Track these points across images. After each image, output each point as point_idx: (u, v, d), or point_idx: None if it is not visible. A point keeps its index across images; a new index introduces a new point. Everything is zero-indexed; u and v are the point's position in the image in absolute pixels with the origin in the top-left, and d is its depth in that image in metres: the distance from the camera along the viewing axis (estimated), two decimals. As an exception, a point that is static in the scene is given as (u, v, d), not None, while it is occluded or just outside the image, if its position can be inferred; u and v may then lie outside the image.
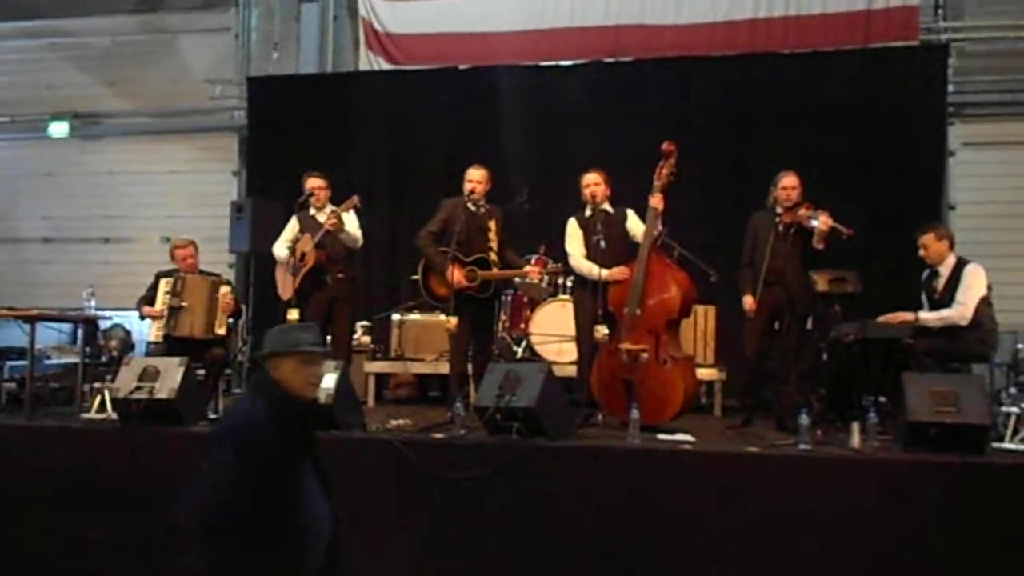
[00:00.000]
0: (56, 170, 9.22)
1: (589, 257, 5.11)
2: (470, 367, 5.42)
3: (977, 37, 7.41)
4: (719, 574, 3.93)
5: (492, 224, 5.41)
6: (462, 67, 7.92)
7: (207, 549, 2.38)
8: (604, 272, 4.96)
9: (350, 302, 5.74)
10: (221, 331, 5.53)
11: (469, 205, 5.34)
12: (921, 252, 5.14)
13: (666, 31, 7.59)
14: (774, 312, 5.08)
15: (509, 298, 6.54)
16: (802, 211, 4.98)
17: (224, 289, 5.58)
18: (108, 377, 5.22)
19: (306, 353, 2.57)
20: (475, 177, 5.36)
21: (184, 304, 5.46)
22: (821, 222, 4.86)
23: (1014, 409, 4.53)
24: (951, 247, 5.11)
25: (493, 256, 5.39)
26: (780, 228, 5.04)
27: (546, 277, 6.42)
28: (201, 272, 5.74)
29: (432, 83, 7.88)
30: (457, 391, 5.20)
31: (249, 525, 2.38)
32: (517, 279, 6.23)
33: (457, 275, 5.25)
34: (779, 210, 5.10)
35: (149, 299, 5.67)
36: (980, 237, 6.82)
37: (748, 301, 5.05)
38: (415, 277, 5.64)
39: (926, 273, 5.23)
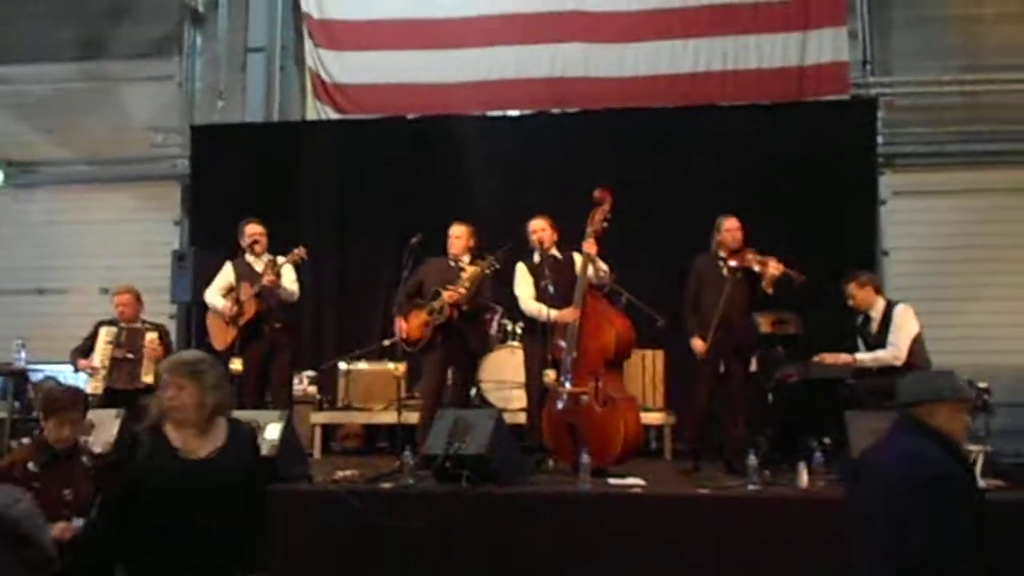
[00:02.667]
0: (-12, 219, 8.94)
1: (538, 300, 5.14)
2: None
3: (904, 92, 7.77)
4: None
5: (466, 275, 5.41)
6: (410, 117, 7.98)
7: None
8: (554, 313, 4.99)
9: (288, 349, 5.64)
10: (148, 379, 5.37)
11: (450, 262, 5.43)
12: (850, 302, 5.33)
13: (609, 83, 7.78)
14: (721, 356, 5.15)
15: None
16: (749, 255, 5.10)
17: (150, 336, 5.44)
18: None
19: (964, 400, 2.58)
20: (453, 232, 5.47)
21: (129, 356, 5.33)
22: (772, 267, 4.97)
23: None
24: (877, 291, 5.32)
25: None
26: (725, 272, 5.14)
27: (495, 325, 6.43)
28: (143, 322, 5.60)
29: (380, 132, 7.91)
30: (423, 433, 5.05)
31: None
32: None
33: (406, 325, 5.31)
34: (722, 254, 5.21)
35: (85, 349, 5.49)
36: (913, 281, 7.08)
37: (698, 344, 5.10)
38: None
39: (860, 318, 5.40)
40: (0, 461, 3.48)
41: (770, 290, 5.03)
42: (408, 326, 5.36)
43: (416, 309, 5.35)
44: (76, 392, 3.72)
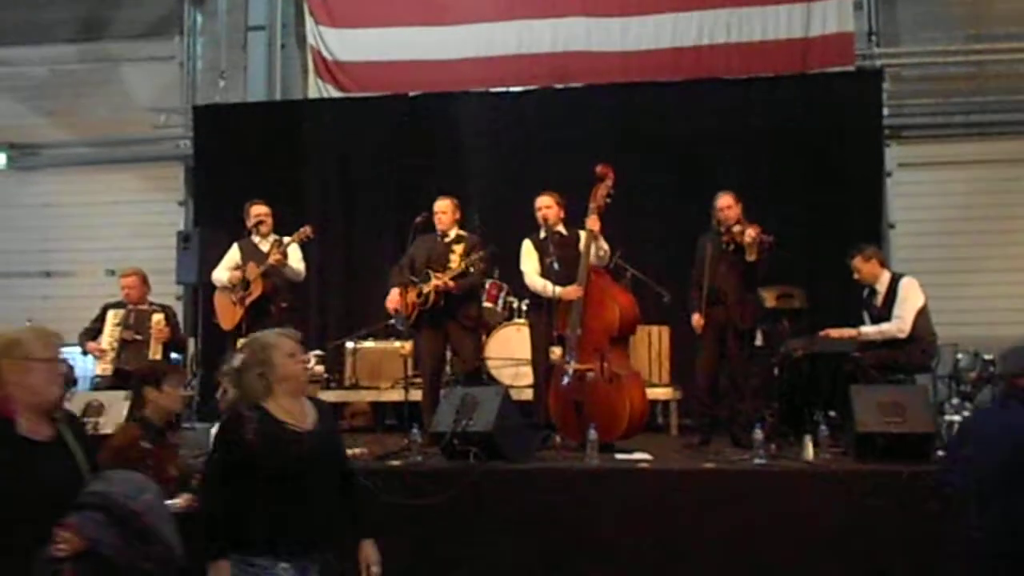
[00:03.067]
0: (-8, 202, 8.95)
1: (543, 277, 5.15)
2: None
3: (910, 63, 7.71)
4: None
5: (457, 250, 5.38)
6: (412, 94, 7.94)
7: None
8: (558, 289, 4.99)
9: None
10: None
11: (437, 236, 5.42)
12: (855, 276, 5.32)
13: (612, 57, 7.72)
14: (720, 330, 5.15)
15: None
16: (736, 228, 5.09)
17: (156, 317, 5.48)
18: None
19: None
20: (437, 208, 5.44)
21: (137, 337, 5.37)
22: (748, 233, 4.96)
23: (956, 417, 4.67)
24: (882, 265, 5.31)
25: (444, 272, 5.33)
26: (721, 247, 5.14)
27: (500, 302, 6.44)
28: (150, 304, 5.64)
29: (382, 110, 7.88)
30: (428, 417, 5.04)
31: None
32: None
33: (399, 299, 5.31)
34: (721, 230, 5.20)
35: (93, 332, 5.53)
36: (919, 254, 7.08)
37: (696, 319, 5.13)
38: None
39: (866, 292, 5.41)
40: (114, 441, 3.29)
41: (752, 257, 5.00)
42: (405, 301, 5.38)
43: (412, 285, 5.36)
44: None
